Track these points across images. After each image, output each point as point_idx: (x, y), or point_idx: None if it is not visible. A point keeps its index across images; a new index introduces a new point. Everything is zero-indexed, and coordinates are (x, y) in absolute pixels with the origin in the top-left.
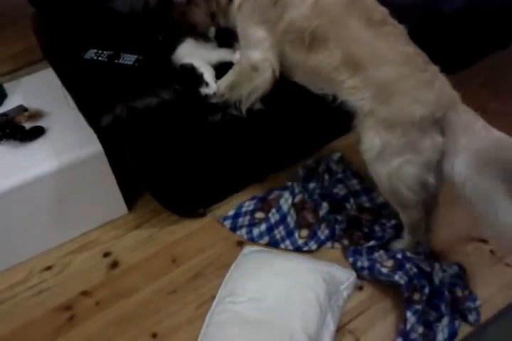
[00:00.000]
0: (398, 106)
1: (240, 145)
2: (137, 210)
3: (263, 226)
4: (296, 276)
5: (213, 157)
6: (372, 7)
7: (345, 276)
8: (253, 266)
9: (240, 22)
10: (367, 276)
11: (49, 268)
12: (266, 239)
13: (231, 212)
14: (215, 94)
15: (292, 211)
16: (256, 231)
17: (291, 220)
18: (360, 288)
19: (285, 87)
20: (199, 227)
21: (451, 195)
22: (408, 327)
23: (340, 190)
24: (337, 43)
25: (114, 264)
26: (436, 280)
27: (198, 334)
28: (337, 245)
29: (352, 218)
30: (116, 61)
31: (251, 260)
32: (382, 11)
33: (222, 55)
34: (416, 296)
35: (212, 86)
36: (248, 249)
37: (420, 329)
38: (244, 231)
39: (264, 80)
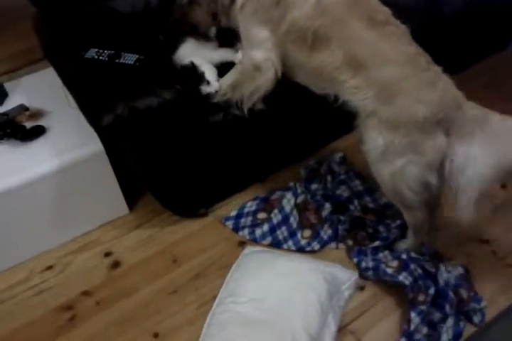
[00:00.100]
0: (401, 106)
1: (241, 145)
2: (138, 210)
3: (265, 227)
4: (298, 276)
5: (214, 157)
6: (375, 7)
7: (347, 276)
8: (254, 266)
9: (242, 22)
10: (371, 277)
11: (50, 267)
12: (268, 240)
13: (233, 213)
14: (216, 92)
15: (295, 211)
16: (258, 232)
17: (293, 221)
18: (362, 288)
19: (286, 87)
20: (200, 227)
21: (452, 195)
22: (412, 327)
23: (343, 192)
24: (339, 43)
25: (115, 264)
26: (441, 281)
27: (199, 335)
28: (341, 246)
29: (355, 218)
30: (117, 60)
31: (252, 260)
32: (385, 11)
33: (223, 54)
34: (421, 297)
35: (213, 84)
36: (249, 249)
37: (424, 330)
38: (246, 231)
39: (266, 80)
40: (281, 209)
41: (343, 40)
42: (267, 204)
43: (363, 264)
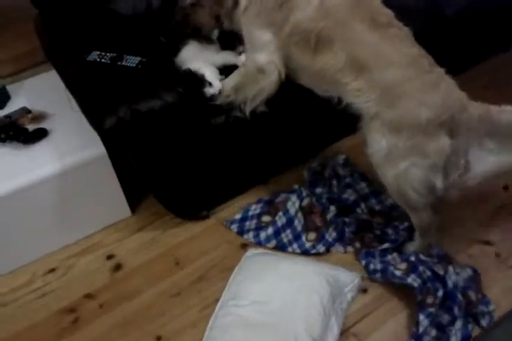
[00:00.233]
0: (404, 108)
1: (243, 147)
2: (140, 213)
3: (270, 230)
4: (300, 279)
5: (217, 159)
6: (377, 9)
7: (350, 279)
8: (257, 268)
9: (246, 25)
10: (380, 279)
11: (52, 270)
12: (273, 243)
13: (238, 216)
14: (220, 92)
15: (300, 214)
16: (263, 235)
17: (298, 224)
18: (365, 291)
19: (288, 89)
20: (202, 230)
21: (454, 198)
22: (421, 330)
23: (350, 196)
24: (341, 45)
25: (118, 267)
26: (450, 283)
27: (201, 337)
28: (349, 249)
29: (362, 221)
30: (119, 63)
31: (254, 263)
32: (388, 14)
33: (226, 57)
34: (429, 299)
35: (215, 85)
36: (252, 251)
37: (433, 333)
38: (251, 235)
39: (270, 83)
40: (286, 212)
41: (345, 42)
42: (271, 207)
43: (371, 266)
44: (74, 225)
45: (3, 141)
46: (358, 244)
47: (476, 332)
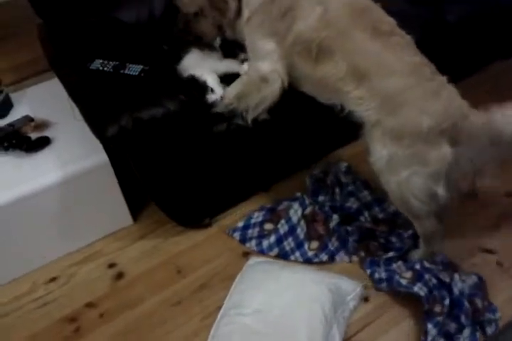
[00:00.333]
0: (405, 116)
1: (245, 155)
2: (142, 221)
3: (272, 238)
4: (302, 288)
5: (218, 167)
6: (379, 18)
7: (352, 287)
8: (258, 277)
9: (249, 34)
10: (385, 288)
11: (54, 279)
12: (275, 251)
13: (240, 224)
14: (222, 98)
15: (302, 222)
16: (265, 243)
17: (300, 232)
18: (366, 300)
19: (289, 97)
20: (204, 238)
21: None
22: (429, 339)
23: (352, 204)
24: (343, 54)
25: (119, 275)
26: (456, 291)
27: None
28: (354, 258)
29: (365, 229)
30: (121, 71)
31: (256, 271)
32: (390, 22)
33: (228, 65)
34: (437, 308)
35: (217, 91)
36: (253, 259)
37: None
38: (253, 243)
39: (272, 91)
40: (288, 220)
41: (346, 52)
42: (273, 214)
43: (377, 275)
44: (75, 233)
45: (6, 149)
46: (362, 253)
47: (483, 340)
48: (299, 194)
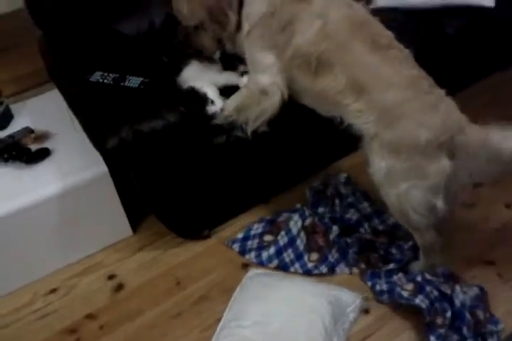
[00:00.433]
0: (403, 130)
1: (244, 167)
2: (141, 232)
3: (272, 250)
4: (301, 300)
5: (218, 178)
6: (378, 31)
7: (352, 299)
8: (258, 289)
9: (249, 47)
10: (386, 300)
11: (54, 290)
12: (275, 263)
13: (239, 235)
14: (222, 110)
15: (302, 234)
16: (265, 255)
17: (300, 243)
18: (367, 311)
19: (289, 109)
20: (203, 249)
21: (456, 217)
22: None
23: (352, 215)
24: (342, 68)
25: (119, 287)
26: (458, 303)
27: None
28: (355, 270)
29: (365, 241)
30: (121, 84)
31: (256, 283)
32: (388, 35)
33: (228, 77)
34: (439, 320)
35: (217, 102)
36: (253, 271)
37: None
38: (253, 255)
39: (272, 104)
40: (288, 232)
41: (345, 65)
42: (273, 226)
43: (378, 287)
44: (75, 245)
45: (6, 160)
46: (363, 265)
47: None
48: (298, 205)
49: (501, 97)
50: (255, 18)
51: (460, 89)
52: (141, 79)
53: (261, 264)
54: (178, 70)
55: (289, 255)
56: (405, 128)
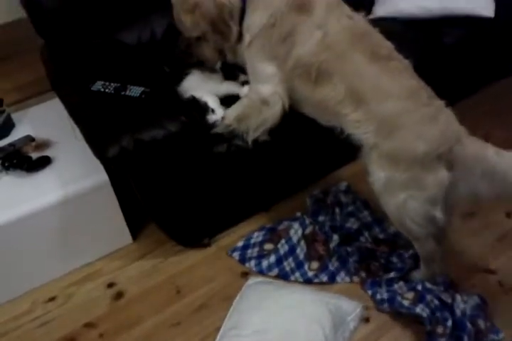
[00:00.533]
0: (401, 141)
1: (245, 175)
2: (141, 240)
3: (272, 258)
4: (301, 308)
5: (219, 187)
6: (378, 42)
7: (352, 308)
8: (258, 297)
9: (250, 58)
10: (387, 309)
11: (53, 299)
12: (275, 271)
13: (240, 243)
14: (222, 119)
15: (302, 242)
16: (265, 263)
17: (300, 252)
18: (367, 320)
19: (289, 118)
20: (203, 258)
21: (456, 226)
22: None
23: (353, 224)
24: (341, 78)
25: (119, 295)
26: (458, 312)
27: None
28: (356, 279)
29: (365, 250)
30: (123, 93)
31: (256, 291)
32: (388, 46)
33: (229, 87)
34: (439, 329)
35: (218, 112)
36: (253, 279)
37: None
38: (253, 263)
39: (273, 113)
40: (288, 240)
41: (345, 75)
42: (274, 234)
43: (378, 296)
44: (75, 253)
45: (7, 169)
46: (363, 274)
47: None
48: (299, 214)
49: (501, 106)
50: (256, 29)
51: (459, 99)
52: (143, 88)
53: (261, 273)
54: (179, 80)
55: (289, 263)
56: (404, 140)
